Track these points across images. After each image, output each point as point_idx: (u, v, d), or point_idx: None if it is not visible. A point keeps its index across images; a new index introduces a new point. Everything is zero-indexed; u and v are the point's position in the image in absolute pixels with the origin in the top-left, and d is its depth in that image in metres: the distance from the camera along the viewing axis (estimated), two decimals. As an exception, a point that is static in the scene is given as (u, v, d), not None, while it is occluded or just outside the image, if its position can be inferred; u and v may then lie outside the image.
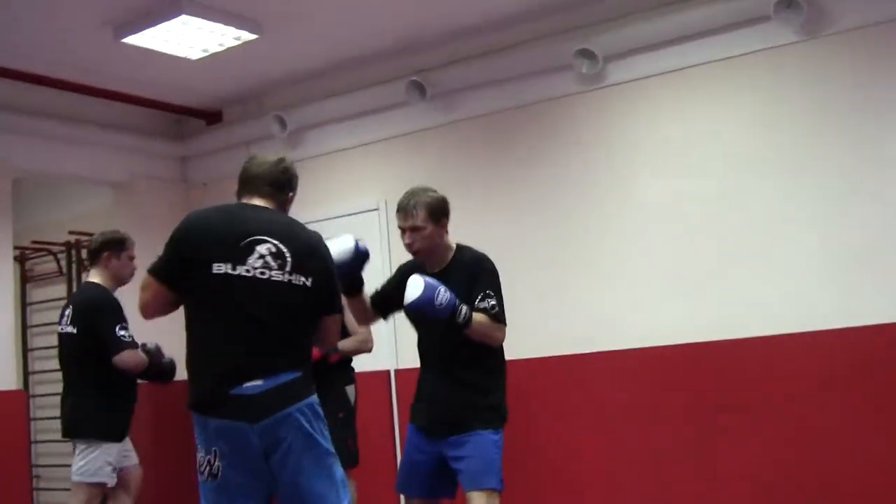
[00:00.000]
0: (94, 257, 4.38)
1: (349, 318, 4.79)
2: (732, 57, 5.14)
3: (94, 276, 4.38)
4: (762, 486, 4.88)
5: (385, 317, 3.63)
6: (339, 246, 3.32)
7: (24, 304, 8.24)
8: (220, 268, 2.68)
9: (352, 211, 6.41)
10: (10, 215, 6.37)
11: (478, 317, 3.25)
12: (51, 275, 8.17)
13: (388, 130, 6.38)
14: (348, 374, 4.87)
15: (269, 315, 2.70)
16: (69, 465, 4.40)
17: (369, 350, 4.83)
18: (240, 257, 2.70)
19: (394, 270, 3.76)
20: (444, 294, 3.14)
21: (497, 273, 3.45)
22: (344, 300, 3.26)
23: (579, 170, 5.61)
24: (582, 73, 5.49)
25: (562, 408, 5.53)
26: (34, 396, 8.00)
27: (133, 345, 4.15)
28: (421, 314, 3.23)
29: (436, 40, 6.00)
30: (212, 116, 7.25)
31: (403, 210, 3.38)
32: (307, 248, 2.83)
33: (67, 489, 7.62)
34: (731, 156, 5.15)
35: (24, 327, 8.21)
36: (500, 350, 3.48)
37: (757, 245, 5.03)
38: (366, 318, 3.65)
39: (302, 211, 6.47)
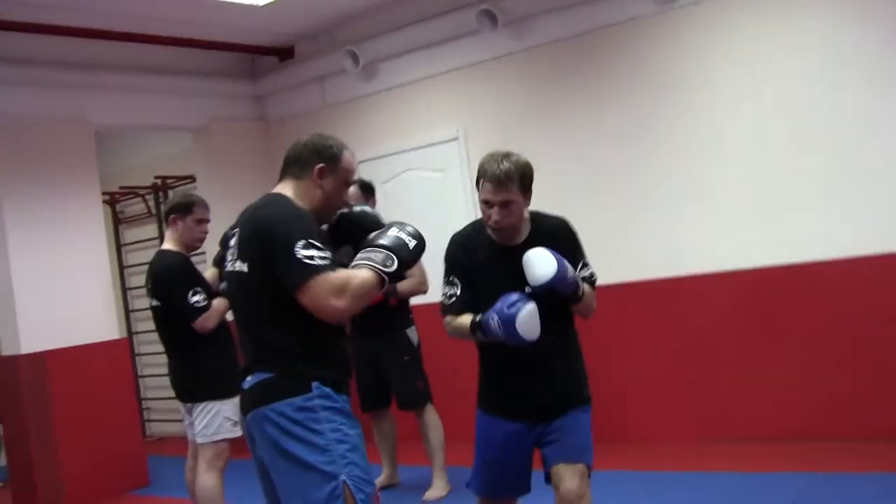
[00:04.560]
0: (166, 221, 4.38)
1: None
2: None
3: (167, 242, 4.38)
4: (832, 413, 4.91)
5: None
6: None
7: (118, 245, 8.59)
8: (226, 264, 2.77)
9: (430, 142, 6.43)
10: (96, 167, 6.48)
11: (585, 288, 2.92)
12: (141, 216, 8.47)
13: (461, 60, 6.32)
14: (406, 316, 4.99)
15: (238, 310, 2.70)
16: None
17: (425, 291, 4.88)
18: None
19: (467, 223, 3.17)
20: (570, 267, 2.79)
21: None
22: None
23: (658, 91, 5.48)
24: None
25: (648, 331, 5.57)
26: (136, 333, 8.39)
27: (205, 308, 4.15)
28: (551, 291, 2.78)
29: (505, -36, 5.88)
30: (284, 53, 7.29)
31: (495, 180, 2.76)
32: (247, 231, 2.57)
33: (175, 420, 8.07)
34: (816, 77, 4.96)
35: (121, 267, 8.56)
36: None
37: (839, 169, 4.89)
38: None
39: (380, 144, 6.64)
